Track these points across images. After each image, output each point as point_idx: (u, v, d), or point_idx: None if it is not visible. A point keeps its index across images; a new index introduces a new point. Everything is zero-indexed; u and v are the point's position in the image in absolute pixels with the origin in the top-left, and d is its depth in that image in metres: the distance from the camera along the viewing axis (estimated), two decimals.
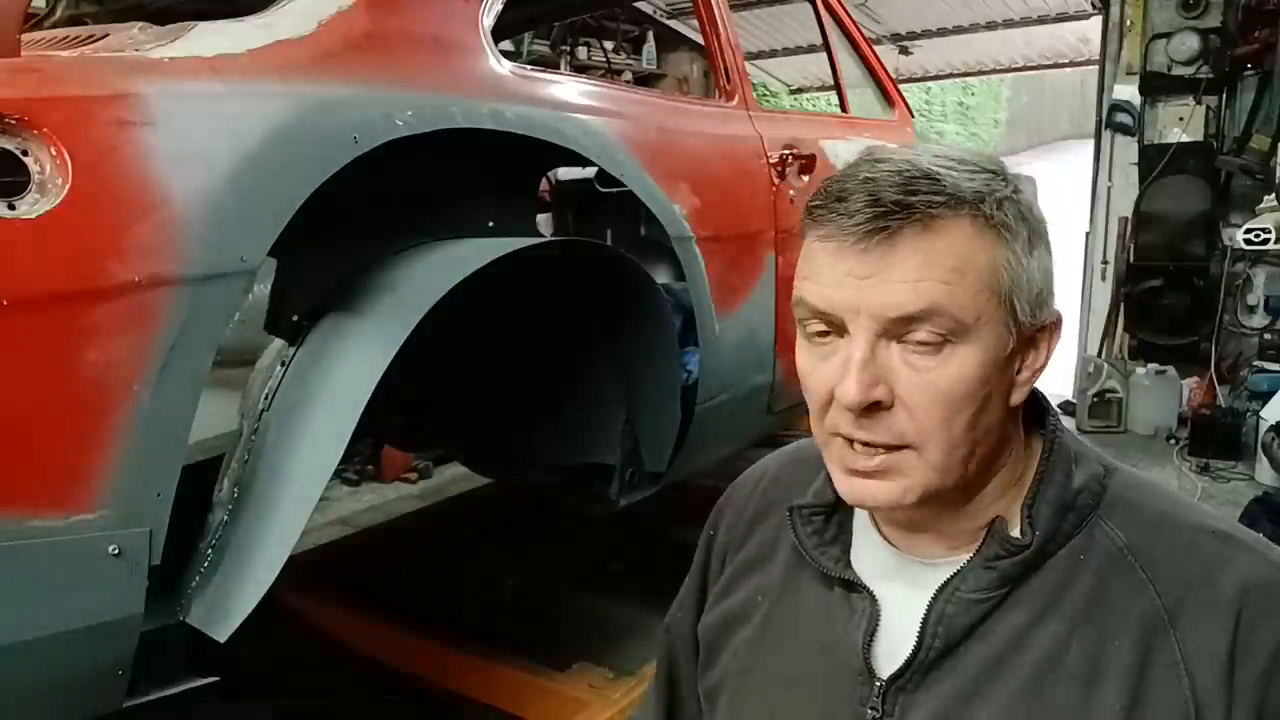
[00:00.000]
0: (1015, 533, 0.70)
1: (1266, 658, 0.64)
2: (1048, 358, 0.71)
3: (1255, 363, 4.44)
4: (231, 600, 1.14)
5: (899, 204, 0.63)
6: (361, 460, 4.12)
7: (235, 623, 1.13)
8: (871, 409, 0.65)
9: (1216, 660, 0.64)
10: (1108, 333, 5.09)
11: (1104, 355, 5.05)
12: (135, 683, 1.12)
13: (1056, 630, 0.68)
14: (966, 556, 0.72)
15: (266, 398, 1.29)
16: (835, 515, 0.81)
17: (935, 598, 0.71)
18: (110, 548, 1.04)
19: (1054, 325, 0.70)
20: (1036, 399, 0.76)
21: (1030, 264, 0.67)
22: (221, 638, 1.13)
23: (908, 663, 0.71)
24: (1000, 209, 0.65)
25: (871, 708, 0.72)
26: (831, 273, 0.66)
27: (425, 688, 2.12)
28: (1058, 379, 5.57)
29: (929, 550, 0.74)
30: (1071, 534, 0.70)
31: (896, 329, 0.65)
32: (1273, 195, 4.23)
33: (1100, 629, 0.67)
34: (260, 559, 1.16)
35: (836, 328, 0.67)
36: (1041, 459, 0.73)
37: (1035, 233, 0.68)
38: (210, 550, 1.20)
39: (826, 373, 0.68)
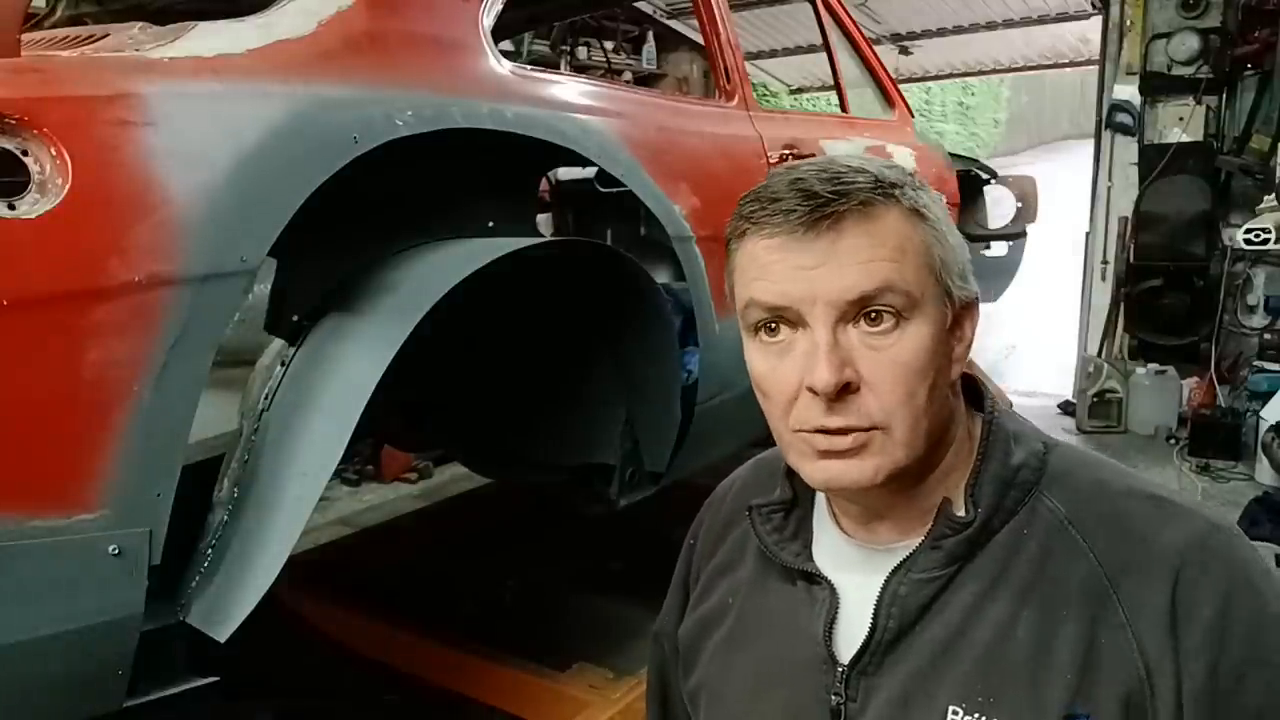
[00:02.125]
0: (960, 512, 0.72)
1: (1210, 617, 0.65)
2: (972, 333, 0.75)
3: (1255, 363, 4.44)
4: (231, 600, 1.14)
5: (837, 192, 0.67)
6: (361, 460, 4.12)
7: (235, 623, 1.12)
8: (841, 394, 0.67)
9: (1160, 621, 0.66)
10: (1108, 333, 5.09)
11: (1104, 355, 5.05)
12: (135, 683, 1.12)
13: (1006, 605, 0.70)
14: (919, 540, 0.74)
15: (266, 398, 1.29)
16: (794, 511, 0.83)
17: (888, 580, 0.73)
18: (110, 548, 1.04)
19: (974, 303, 0.74)
20: (974, 385, 0.79)
21: (951, 241, 0.72)
22: (221, 638, 1.12)
23: (864, 645, 0.73)
24: (918, 195, 0.70)
25: (835, 694, 0.74)
26: (781, 268, 0.69)
27: (425, 688, 2.12)
28: (1058, 379, 5.57)
29: (885, 537, 0.76)
30: (1014, 510, 0.73)
31: (853, 311, 0.68)
32: (1273, 195, 4.23)
33: (1047, 600, 0.69)
34: (260, 559, 1.16)
35: (791, 323, 0.70)
36: (981, 439, 0.75)
37: (945, 217, 0.72)
38: (210, 550, 1.20)
39: (788, 369, 0.70)
